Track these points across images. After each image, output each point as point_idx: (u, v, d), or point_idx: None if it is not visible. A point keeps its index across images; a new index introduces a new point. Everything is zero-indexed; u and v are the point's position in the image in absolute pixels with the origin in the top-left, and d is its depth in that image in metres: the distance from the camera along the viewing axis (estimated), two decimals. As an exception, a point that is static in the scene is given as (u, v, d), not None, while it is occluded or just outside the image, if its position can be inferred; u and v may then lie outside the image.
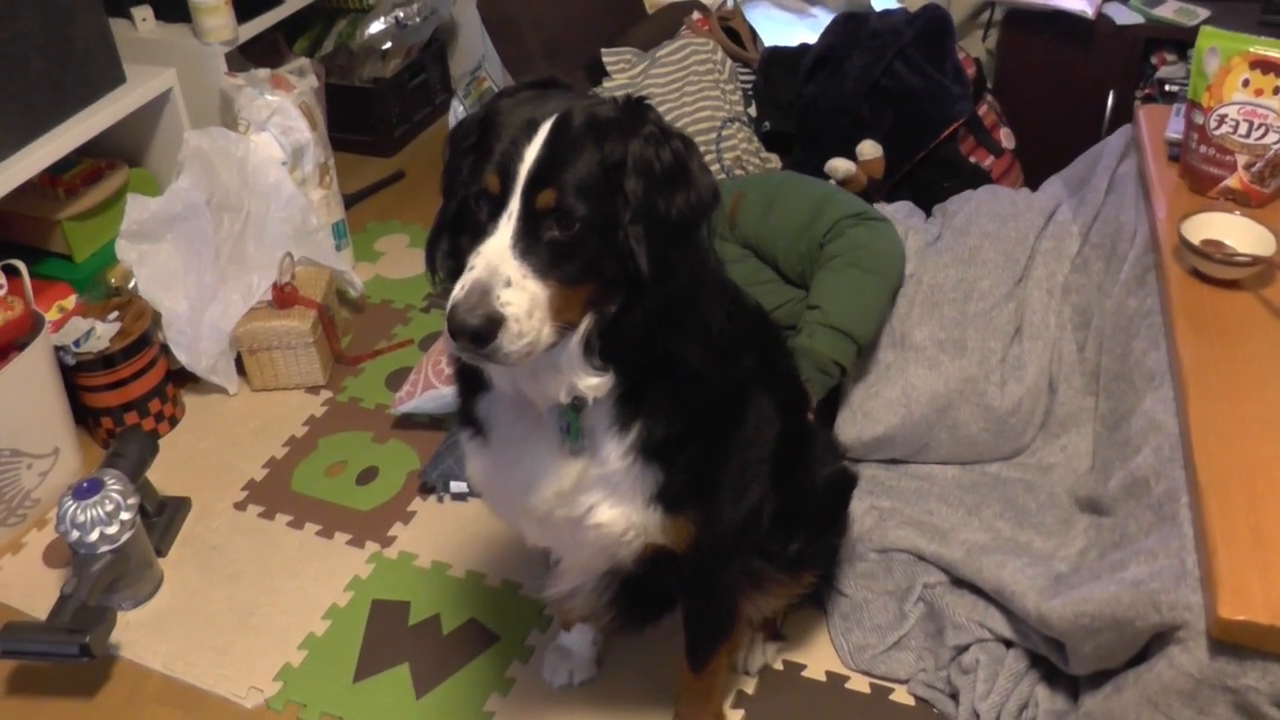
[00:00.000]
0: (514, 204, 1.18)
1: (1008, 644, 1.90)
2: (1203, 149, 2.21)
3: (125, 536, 2.11)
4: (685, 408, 1.39)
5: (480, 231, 1.20)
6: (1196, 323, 1.90)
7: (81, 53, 2.53)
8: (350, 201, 3.28)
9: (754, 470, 1.56)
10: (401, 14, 3.50)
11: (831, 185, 2.42)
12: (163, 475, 2.42)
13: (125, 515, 2.11)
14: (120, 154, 2.83)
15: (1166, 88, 2.93)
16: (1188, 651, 1.48)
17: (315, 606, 2.18)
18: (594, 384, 1.30)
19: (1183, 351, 1.84)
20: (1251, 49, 2.13)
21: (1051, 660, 1.82)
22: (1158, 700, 1.52)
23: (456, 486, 2.39)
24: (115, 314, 2.53)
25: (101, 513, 2.08)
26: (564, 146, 1.20)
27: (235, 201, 2.71)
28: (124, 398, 2.52)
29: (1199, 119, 2.21)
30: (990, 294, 2.23)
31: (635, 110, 1.27)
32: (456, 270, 1.26)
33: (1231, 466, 1.61)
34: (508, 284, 1.15)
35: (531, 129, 1.21)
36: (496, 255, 1.16)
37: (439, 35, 3.79)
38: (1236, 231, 2.03)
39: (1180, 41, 2.92)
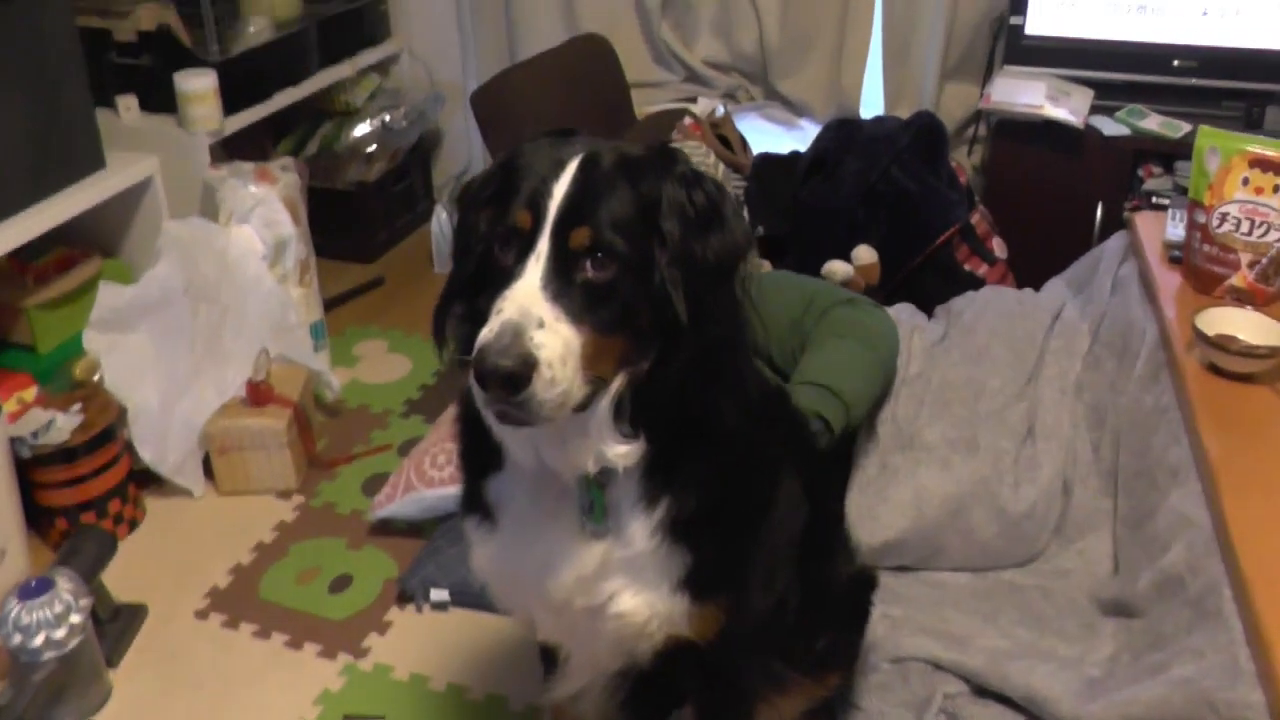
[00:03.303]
0: (544, 243, 1.11)
1: (1039, 756, 1.76)
2: (1206, 248, 2.19)
3: (74, 642, 1.94)
4: (717, 481, 1.29)
5: (504, 280, 1.11)
6: (1218, 417, 1.85)
7: (63, 133, 2.46)
8: (329, 305, 3.19)
9: (783, 556, 1.45)
10: (389, 117, 3.48)
11: (822, 281, 2.37)
12: (118, 581, 2.25)
13: (75, 618, 1.95)
14: (95, 244, 2.73)
15: (1154, 200, 2.93)
16: (1250, 756, 1.36)
17: (281, 722, 2.01)
18: (623, 452, 1.21)
19: (1208, 445, 1.78)
20: (1250, 148, 2.14)
21: (1088, 775, 1.68)
22: (1217, 814, 1.40)
23: (437, 595, 2.24)
24: (78, 406, 2.40)
25: (49, 615, 1.91)
26: (596, 183, 1.14)
27: (213, 293, 2.61)
28: (82, 496, 2.37)
29: (1201, 218, 2.19)
30: (1001, 392, 2.16)
31: (666, 153, 1.22)
32: (470, 337, 1.17)
33: (1276, 558, 1.53)
34: (540, 325, 1.07)
35: (559, 167, 1.15)
36: (526, 296, 1.08)
37: (423, 142, 3.77)
38: (1248, 326, 2.00)
39: (1166, 154, 2.95)
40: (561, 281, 1.10)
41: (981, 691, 1.87)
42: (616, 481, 1.25)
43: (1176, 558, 1.70)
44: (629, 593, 1.30)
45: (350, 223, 3.58)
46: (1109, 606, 1.93)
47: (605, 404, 1.17)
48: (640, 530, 1.27)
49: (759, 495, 1.38)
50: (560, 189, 1.13)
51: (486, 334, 1.06)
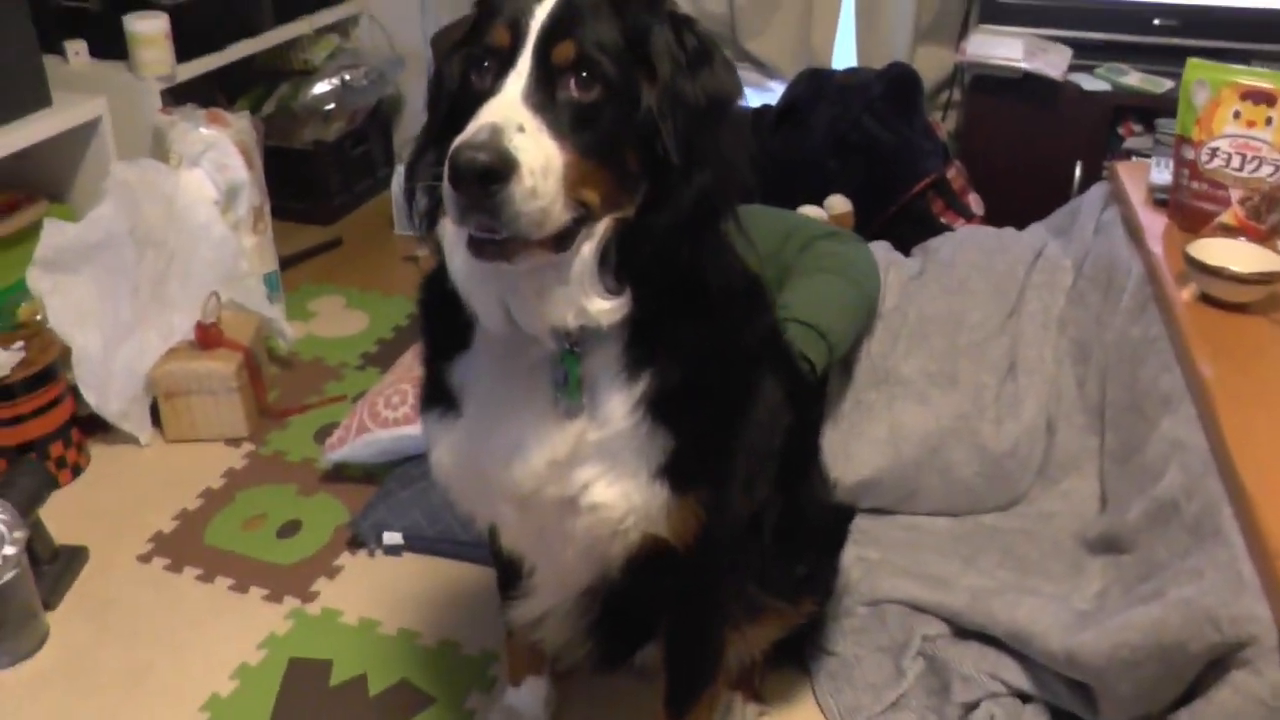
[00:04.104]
0: (525, 60, 1.04)
1: (1024, 698, 1.67)
2: (1194, 185, 2.12)
3: (8, 575, 1.83)
4: (702, 356, 1.20)
5: (481, 102, 1.03)
6: (1212, 344, 1.79)
7: (6, 71, 2.35)
8: (284, 264, 3.08)
9: (765, 455, 1.36)
10: (348, 76, 3.37)
11: (800, 213, 2.29)
12: (59, 526, 2.13)
13: (9, 550, 1.84)
14: (41, 188, 2.61)
15: (1134, 159, 2.88)
16: (1257, 674, 1.29)
17: (222, 665, 1.90)
18: (607, 307, 1.11)
19: (1202, 369, 1.71)
20: (1241, 80, 2.08)
21: (1076, 712, 1.60)
22: (1222, 735, 1.31)
23: (390, 538, 2.14)
24: (20, 344, 2.27)
25: (-20, 547, 1.79)
26: (580, 6, 1.07)
27: (160, 237, 2.49)
28: (21, 437, 2.24)
29: (1189, 154, 2.13)
30: (981, 326, 2.09)
31: None
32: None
33: (1277, 469, 1.45)
34: (520, 130, 0.99)
35: None
36: (507, 104, 1.01)
37: (383, 108, 3.67)
38: (1240, 256, 1.93)
39: (1146, 110, 2.90)
40: (544, 95, 1.03)
41: (962, 633, 1.79)
42: (595, 351, 1.16)
43: (1171, 483, 1.63)
44: (604, 481, 1.21)
45: (308, 184, 3.47)
46: (1096, 545, 1.85)
47: (590, 249, 1.09)
48: (619, 407, 1.18)
49: (743, 381, 1.29)
50: (542, 9, 1.06)
51: (462, 136, 0.99)
